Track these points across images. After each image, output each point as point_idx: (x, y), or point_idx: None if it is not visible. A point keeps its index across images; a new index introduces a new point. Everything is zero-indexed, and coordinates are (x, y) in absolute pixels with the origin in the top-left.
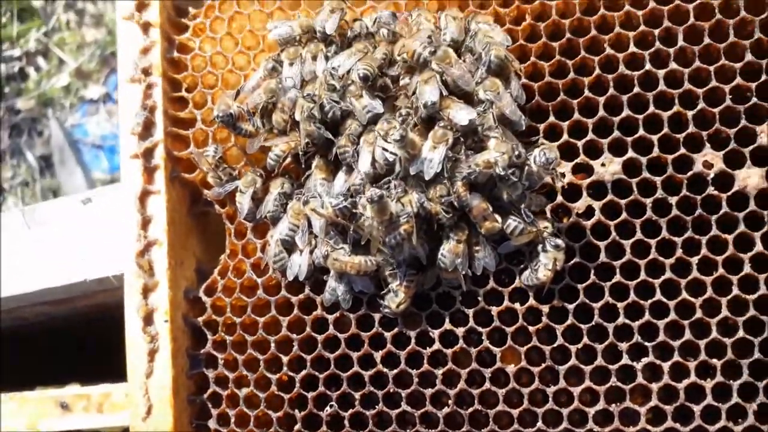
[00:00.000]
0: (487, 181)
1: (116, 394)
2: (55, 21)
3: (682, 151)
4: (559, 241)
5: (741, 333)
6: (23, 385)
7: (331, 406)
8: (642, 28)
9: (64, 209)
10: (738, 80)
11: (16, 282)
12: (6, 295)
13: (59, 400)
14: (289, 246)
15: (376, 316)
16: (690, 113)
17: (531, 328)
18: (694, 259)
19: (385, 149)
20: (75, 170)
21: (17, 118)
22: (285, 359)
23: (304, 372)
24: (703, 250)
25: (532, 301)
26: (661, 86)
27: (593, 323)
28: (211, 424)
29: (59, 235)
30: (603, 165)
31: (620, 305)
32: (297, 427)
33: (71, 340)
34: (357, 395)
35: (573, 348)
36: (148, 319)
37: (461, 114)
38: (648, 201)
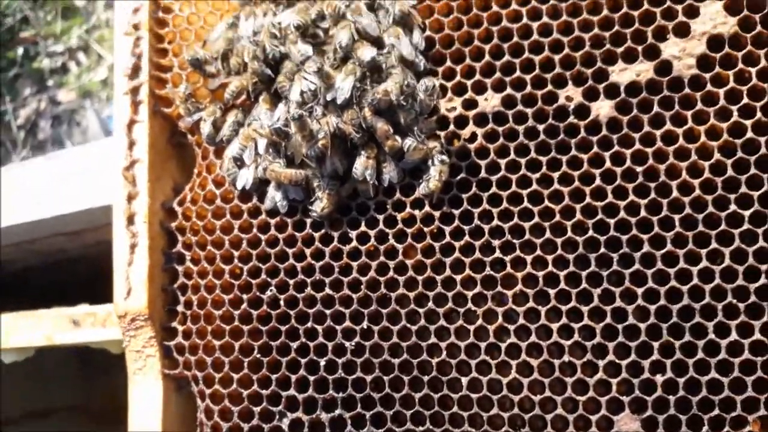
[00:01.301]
0: (389, 108)
1: None
2: (95, 19)
3: (550, 88)
4: (445, 157)
5: (590, 233)
6: (42, 306)
7: (270, 290)
8: None
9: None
10: (595, 30)
11: (36, 209)
12: (27, 220)
13: (71, 318)
14: (240, 162)
15: (308, 221)
16: (557, 57)
17: (426, 229)
18: (555, 174)
19: (306, 78)
20: None
21: (58, 109)
22: (236, 254)
23: (250, 264)
24: (564, 167)
25: (427, 208)
26: (535, 36)
27: (473, 225)
28: (179, 308)
29: (70, 173)
30: (486, 100)
31: (495, 210)
32: (243, 306)
33: (82, 274)
34: (291, 281)
35: (457, 244)
36: (130, 220)
37: (366, 52)
38: (521, 128)
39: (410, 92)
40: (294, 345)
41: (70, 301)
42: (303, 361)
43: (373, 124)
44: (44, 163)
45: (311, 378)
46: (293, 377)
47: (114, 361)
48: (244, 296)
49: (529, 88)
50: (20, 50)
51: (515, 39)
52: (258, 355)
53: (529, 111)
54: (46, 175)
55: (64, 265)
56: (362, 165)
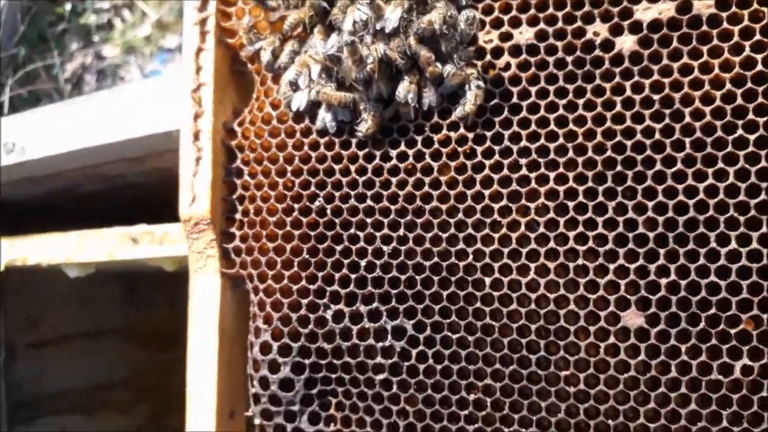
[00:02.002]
0: (431, 37)
1: (172, 232)
2: None
3: (579, 24)
4: (480, 83)
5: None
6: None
7: (318, 201)
8: None
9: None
10: None
11: (103, 135)
12: (93, 144)
13: (131, 236)
14: (295, 86)
15: (353, 141)
16: None
17: (460, 149)
18: (580, 101)
19: (359, 9)
20: None
21: (103, 64)
22: (289, 169)
23: (301, 178)
24: (588, 95)
25: (462, 130)
26: None
27: (503, 146)
28: (237, 216)
29: (133, 100)
30: (521, 33)
31: (524, 132)
32: (295, 214)
33: (139, 199)
34: (337, 194)
35: (487, 162)
36: (196, 136)
37: None
38: (551, 59)
39: (452, 23)
40: (338, 248)
41: (130, 223)
42: (346, 261)
43: (417, 52)
44: (110, 95)
45: (352, 276)
46: (337, 275)
47: (157, 290)
48: (295, 206)
49: (560, 24)
50: (68, 6)
51: None
52: (306, 256)
53: (560, 44)
54: (111, 105)
55: (125, 190)
56: (405, 89)
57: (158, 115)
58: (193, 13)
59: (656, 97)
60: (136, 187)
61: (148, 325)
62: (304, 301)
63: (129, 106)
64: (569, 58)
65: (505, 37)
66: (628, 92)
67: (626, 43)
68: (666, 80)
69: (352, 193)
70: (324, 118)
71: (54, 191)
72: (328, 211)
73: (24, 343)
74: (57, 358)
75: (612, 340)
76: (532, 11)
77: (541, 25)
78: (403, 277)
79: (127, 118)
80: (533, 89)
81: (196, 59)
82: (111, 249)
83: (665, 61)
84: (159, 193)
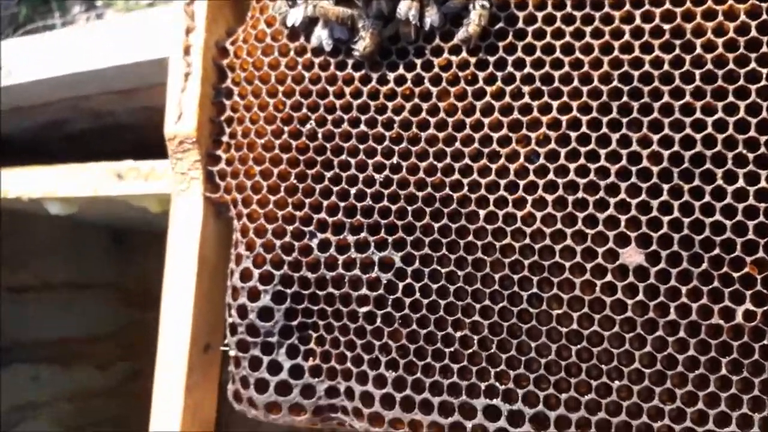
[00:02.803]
0: None
1: (158, 168)
2: None
3: None
4: (485, 2)
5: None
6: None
7: (310, 124)
8: None
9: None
10: None
11: (87, 61)
12: (81, 70)
13: (116, 171)
14: (291, 2)
15: (350, 62)
16: None
17: (461, 74)
18: (588, 29)
19: None
20: None
21: None
22: (281, 89)
23: (293, 99)
24: (596, 23)
25: (464, 54)
26: None
27: (506, 72)
28: (224, 138)
29: (125, 28)
30: None
31: (528, 59)
32: (284, 137)
33: (128, 141)
34: (329, 117)
35: (489, 89)
36: (187, 50)
37: None
38: None
39: None
40: (328, 174)
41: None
42: (335, 189)
43: None
44: (101, 24)
45: (341, 204)
46: (325, 203)
47: (146, 247)
48: (286, 128)
49: None
50: None
51: None
52: (294, 181)
53: None
54: (101, 32)
55: (116, 130)
56: (406, 6)
57: (149, 43)
58: None
59: (666, 27)
60: (126, 128)
61: (137, 283)
62: (290, 228)
63: (118, 34)
64: None
65: None
66: (638, 21)
67: None
68: (678, 9)
69: (346, 117)
70: (320, 35)
71: (43, 126)
72: (320, 135)
73: (5, 287)
74: (38, 305)
75: (609, 278)
76: None
77: None
78: (394, 208)
79: (116, 45)
80: (540, 14)
81: None
82: (95, 184)
83: None
84: (151, 137)
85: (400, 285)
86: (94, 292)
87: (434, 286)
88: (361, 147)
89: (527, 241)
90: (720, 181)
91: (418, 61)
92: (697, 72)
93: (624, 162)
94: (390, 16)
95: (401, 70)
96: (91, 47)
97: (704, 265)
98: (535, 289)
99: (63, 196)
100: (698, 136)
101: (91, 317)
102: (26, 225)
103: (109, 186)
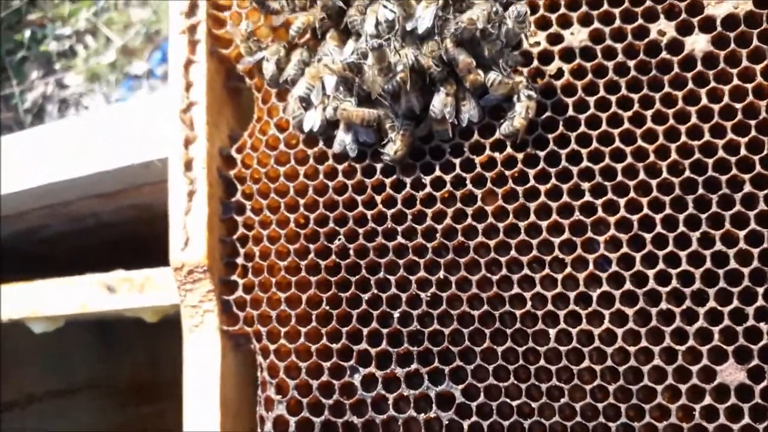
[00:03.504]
0: (471, 39)
1: (156, 278)
2: (104, 1)
3: (640, 22)
4: (532, 92)
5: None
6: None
7: (339, 239)
8: None
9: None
10: None
11: (67, 168)
12: (61, 179)
13: (106, 284)
14: (306, 103)
15: (378, 166)
16: None
17: (507, 173)
18: (648, 113)
19: (385, 6)
20: None
21: (66, 92)
22: (302, 202)
23: (317, 212)
24: (657, 105)
25: (509, 150)
26: None
27: (560, 167)
28: (239, 260)
29: (106, 127)
30: (572, 34)
31: (584, 152)
32: (310, 256)
33: (113, 242)
34: (360, 230)
35: (542, 188)
36: (188, 165)
37: None
38: (610, 64)
39: (498, 20)
40: (365, 296)
41: (103, 269)
42: (375, 313)
43: (455, 57)
44: (76, 122)
45: (384, 331)
46: (365, 330)
47: (135, 337)
48: (311, 246)
49: (617, 23)
50: (27, 33)
51: None
52: (327, 307)
53: (619, 46)
54: (79, 133)
55: (96, 231)
56: (441, 102)
57: (134, 144)
58: (180, 20)
59: (738, 106)
60: (111, 227)
61: (127, 378)
62: (327, 364)
63: (99, 135)
64: (631, 63)
65: (555, 39)
66: (704, 101)
67: (698, 43)
68: (749, 86)
69: (379, 228)
70: (343, 140)
71: (16, 234)
72: (351, 252)
73: None
74: (23, 421)
75: (707, 400)
76: (584, 8)
77: (596, 24)
78: (446, 331)
79: (98, 148)
80: (591, 99)
81: (185, 74)
82: (83, 299)
83: (745, 63)
84: (140, 234)
85: (465, 425)
86: (82, 395)
87: (505, 424)
88: (401, 262)
89: (609, 362)
90: None
91: (456, 161)
92: None
93: (708, 264)
94: (421, 114)
95: (438, 172)
96: (68, 152)
97: None
98: (624, 419)
99: (48, 315)
100: None
101: (80, 423)
102: (6, 336)
103: (99, 300)
